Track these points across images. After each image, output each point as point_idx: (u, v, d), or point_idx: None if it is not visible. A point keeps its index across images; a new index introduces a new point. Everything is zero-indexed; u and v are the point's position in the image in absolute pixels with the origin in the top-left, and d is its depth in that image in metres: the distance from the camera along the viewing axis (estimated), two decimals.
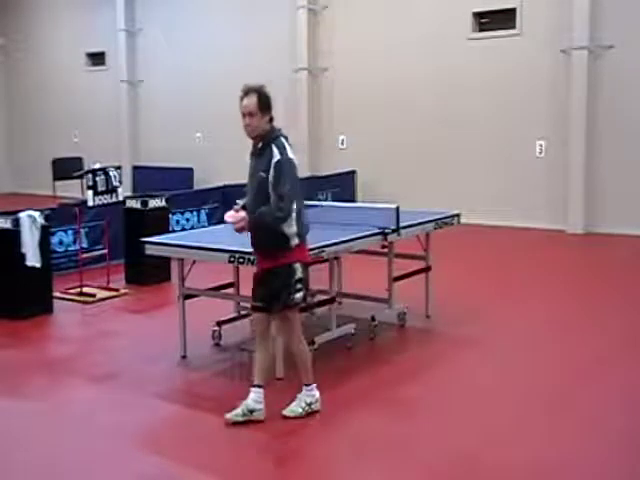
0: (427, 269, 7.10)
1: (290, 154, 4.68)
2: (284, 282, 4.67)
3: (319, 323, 6.48)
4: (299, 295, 4.73)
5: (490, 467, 4.23)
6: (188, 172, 15.84)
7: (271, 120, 4.77)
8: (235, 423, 4.73)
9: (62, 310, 7.63)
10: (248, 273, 6.19)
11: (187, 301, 6.11)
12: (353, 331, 6.27)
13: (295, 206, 4.65)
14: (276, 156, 4.64)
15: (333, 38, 14.56)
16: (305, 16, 14.61)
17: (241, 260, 5.36)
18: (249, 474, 4.22)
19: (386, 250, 6.71)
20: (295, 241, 4.65)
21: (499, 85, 12.60)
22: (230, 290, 6.54)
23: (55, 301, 7.66)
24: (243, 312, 6.63)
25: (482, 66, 12.72)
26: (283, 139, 4.73)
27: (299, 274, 4.68)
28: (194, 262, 6.01)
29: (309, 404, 4.88)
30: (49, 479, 4.27)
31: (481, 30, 12.95)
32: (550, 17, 12.09)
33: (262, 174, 4.67)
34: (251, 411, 4.79)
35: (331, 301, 6.12)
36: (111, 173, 8.23)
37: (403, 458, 4.34)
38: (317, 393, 4.94)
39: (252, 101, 4.72)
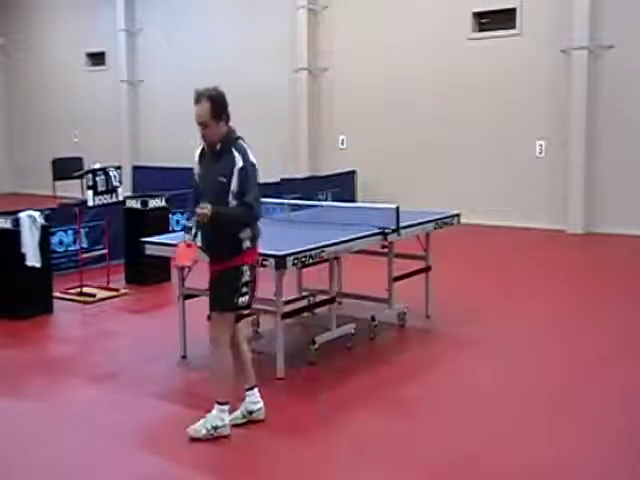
0: (427, 269, 7.10)
1: (252, 157, 4.55)
2: (231, 285, 4.55)
3: (319, 323, 6.48)
4: (243, 299, 4.58)
5: (490, 467, 4.23)
6: (188, 172, 15.77)
7: (228, 120, 4.64)
8: (236, 425, 4.70)
9: (62, 310, 7.63)
10: None
11: (187, 301, 6.11)
12: (353, 331, 6.27)
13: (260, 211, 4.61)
14: (239, 162, 4.48)
15: (333, 38, 14.57)
16: (305, 16, 14.62)
17: None
18: (249, 474, 4.22)
19: (386, 250, 6.71)
20: (247, 244, 4.55)
21: (499, 85, 12.60)
22: None
23: (55, 301, 7.66)
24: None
25: (482, 66, 12.72)
26: (242, 141, 4.61)
27: (247, 277, 4.57)
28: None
29: (215, 427, 4.50)
30: (49, 479, 4.27)
31: (481, 30, 12.96)
32: (550, 17, 12.09)
33: (222, 179, 4.50)
34: (250, 412, 4.76)
35: (331, 301, 6.12)
36: (111, 173, 8.22)
37: (403, 458, 4.34)
38: (226, 416, 4.57)
39: (204, 109, 4.60)
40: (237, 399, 4.83)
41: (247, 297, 4.60)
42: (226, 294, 4.57)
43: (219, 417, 4.55)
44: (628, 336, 6.56)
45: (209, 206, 4.45)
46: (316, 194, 12.85)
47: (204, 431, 4.51)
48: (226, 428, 4.56)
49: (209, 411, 4.60)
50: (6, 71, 20.11)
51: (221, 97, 4.69)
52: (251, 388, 4.80)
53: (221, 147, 4.59)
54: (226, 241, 4.55)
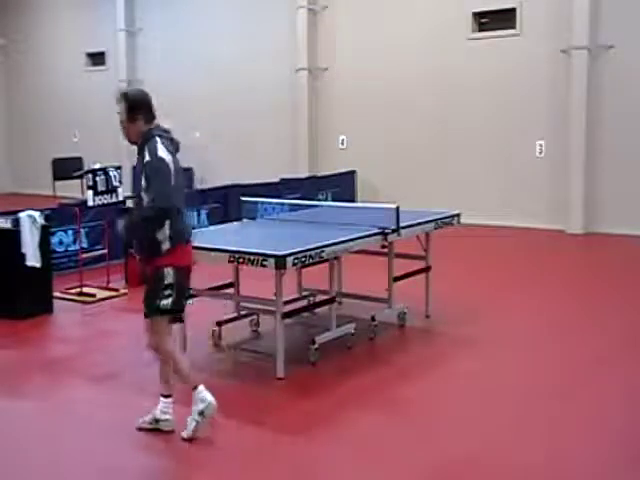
0: (427, 269, 7.10)
1: (161, 153, 4.39)
2: (153, 287, 4.50)
3: (319, 323, 6.48)
4: (166, 302, 4.47)
5: (490, 467, 4.22)
6: (188, 172, 15.84)
7: (149, 120, 4.54)
8: (141, 429, 4.65)
9: (62, 310, 7.63)
10: (248, 273, 6.22)
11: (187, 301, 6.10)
12: (353, 331, 6.27)
13: (170, 208, 4.40)
14: (146, 157, 4.42)
15: (333, 38, 14.57)
16: (305, 16, 14.62)
17: (241, 260, 5.36)
18: (249, 474, 4.22)
19: (386, 250, 6.71)
20: (166, 245, 4.43)
21: (499, 85, 12.60)
22: (230, 290, 6.54)
23: (55, 301, 7.66)
24: (243, 312, 6.64)
25: (482, 66, 12.72)
26: (158, 138, 4.46)
27: (169, 280, 4.45)
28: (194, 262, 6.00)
29: (201, 412, 4.53)
30: (49, 479, 4.27)
31: (481, 30, 12.96)
32: (550, 17, 12.09)
33: (140, 176, 4.49)
34: (156, 420, 4.65)
35: (331, 301, 6.12)
36: (111, 173, 8.22)
37: (403, 458, 4.34)
38: (207, 395, 4.57)
39: (121, 109, 4.55)
40: (240, 397, 4.82)
41: (170, 300, 4.48)
42: (150, 297, 4.53)
43: (199, 400, 4.54)
44: (628, 336, 6.56)
45: (122, 222, 4.59)
46: (316, 194, 12.86)
47: (194, 424, 4.52)
48: (209, 407, 4.53)
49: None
50: (6, 71, 20.11)
51: (138, 98, 4.57)
52: (166, 396, 4.68)
53: (139, 145, 4.54)
54: (145, 242, 4.51)
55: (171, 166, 4.42)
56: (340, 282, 7.07)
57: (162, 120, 4.64)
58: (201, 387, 4.59)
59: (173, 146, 4.57)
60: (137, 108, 4.51)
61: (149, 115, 4.54)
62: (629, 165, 11.52)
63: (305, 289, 7.24)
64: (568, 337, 6.57)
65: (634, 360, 5.96)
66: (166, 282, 4.45)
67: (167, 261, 4.46)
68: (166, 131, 4.60)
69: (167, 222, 4.41)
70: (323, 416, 4.96)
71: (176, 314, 4.68)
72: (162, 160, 4.39)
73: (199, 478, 4.21)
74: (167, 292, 4.47)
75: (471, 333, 6.69)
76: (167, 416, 4.67)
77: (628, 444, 4.53)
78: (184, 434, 4.52)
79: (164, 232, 4.43)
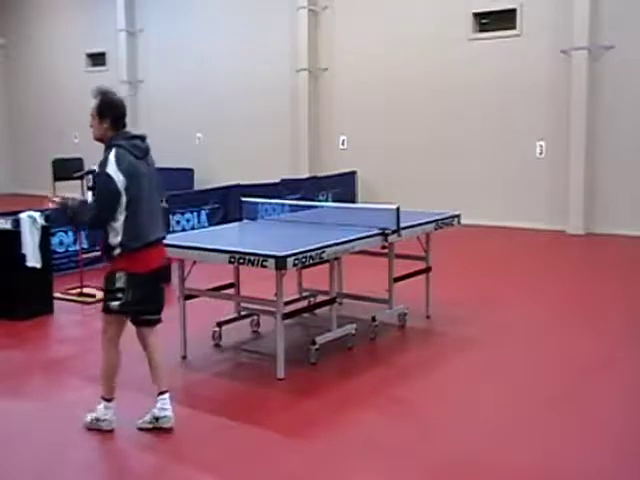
0: (427, 270, 7.10)
1: (110, 169, 4.45)
2: (106, 288, 4.64)
3: (320, 323, 6.48)
4: (115, 303, 4.58)
5: (490, 467, 4.22)
6: (188, 172, 15.85)
7: (115, 128, 4.63)
8: (142, 429, 4.70)
9: (62, 310, 7.63)
10: (249, 274, 6.22)
11: (187, 301, 6.11)
12: (354, 331, 6.27)
13: (114, 217, 4.47)
14: (98, 168, 4.59)
15: (333, 38, 14.58)
16: (305, 16, 14.63)
17: (241, 261, 5.36)
18: (248, 474, 4.22)
19: (386, 251, 6.71)
20: (117, 251, 4.51)
21: (499, 85, 12.60)
22: (230, 291, 6.54)
23: (55, 301, 7.66)
24: (243, 313, 6.64)
25: (482, 66, 12.72)
26: (114, 150, 4.52)
27: (119, 284, 4.54)
28: (194, 263, 6.00)
29: (97, 419, 4.68)
30: (47, 478, 4.27)
31: (481, 30, 12.96)
32: (550, 17, 12.09)
33: None
34: (156, 419, 4.71)
35: (332, 301, 6.11)
36: None
37: (403, 458, 4.34)
38: (109, 413, 4.69)
39: (94, 104, 4.70)
40: (240, 398, 4.81)
41: (118, 303, 4.58)
42: (105, 296, 4.67)
43: (102, 412, 4.69)
44: (628, 336, 6.56)
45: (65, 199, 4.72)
46: (317, 195, 12.87)
47: (89, 418, 4.70)
48: (106, 423, 4.66)
49: (211, 410, 4.60)
50: (6, 71, 20.11)
51: (110, 101, 4.71)
52: (161, 393, 4.74)
53: (104, 150, 4.65)
54: (103, 244, 4.63)
55: (118, 183, 4.43)
56: (340, 283, 7.07)
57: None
58: (113, 404, 4.70)
59: (141, 151, 4.62)
60: (107, 111, 4.65)
61: (116, 123, 4.63)
62: (629, 165, 11.52)
63: (305, 290, 7.24)
64: (568, 337, 6.57)
65: (634, 360, 5.96)
66: (117, 286, 4.56)
67: (119, 266, 4.56)
68: (135, 137, 4.67)
69: (116, 229, 4.49)
70: (323, 416, 4.96)
71: (138, 316, 4.76)
72: (108, 177, 4.45)
73: (199, 478, 4.21)
74: (118, 295, 4.57)
75: (471, 333, 6.69)
76: (165, 412, 4.69)
77: (628, 444, 4.53)
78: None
79: (115, 238, 4.51)
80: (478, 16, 12.90)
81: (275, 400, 5.24)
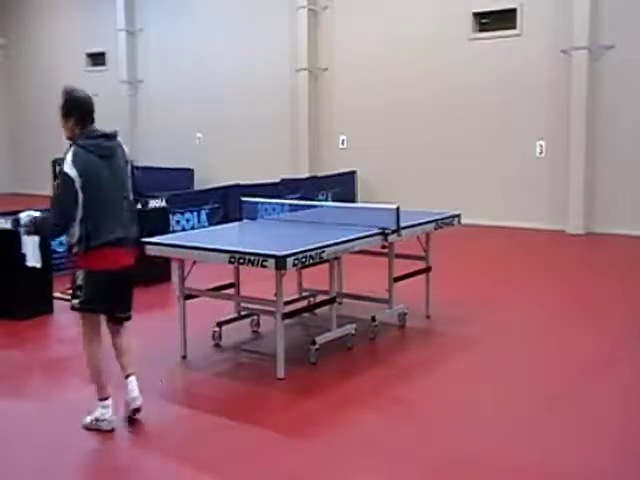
0: (427, 269, 7.10)
1: (67, 168, 4.47)
2: (71, 285, 4.76)
3: (319, 323, 6.48)
4: (76, 301, 4.67)
5: (490, 467, 4.22)
6: (188, 172, 15.85)
7: (82, 125, 4.65)
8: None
9: (62, 310, 7.61)
10: (249, 274, 6.22)
11: (187, 301, 6.11)
12: (353, 331, 6.26)
13: (75, 216, 4.48)
14: (59, 167, 4.67)
15: (333, 38, 14.58)
16: (305, 16, 14.63)
17: (241, 261, 5.36)
18: (248, 474, 4.22)
19: (386, 250, 6.71)
20: (77, 249, 4.57)
21: (499, 85, 12.60)
22: (230, 290, 6.54)
23: (55, 301, 7.65)
24: (243, 313, 6.64)
25: (483, 66, 12.72)
26: (72, 149, 4.55)
27: (79, 281, 4.64)
28: (194, 262, 6.00)
29: (96, 419, 4.70)
30: (48, 478, 4.27)
31: (481, 30, 12.96)
32: (550, 17, 12.09)
33: None
34: (96, 420, 4.73)
35: (331, 301, 6.11)
36: None
37: (403, 458, 4.34)
38: (108, 412, 4.70)
39: (59, 103, 4.77)
40: (240, 398, 4.79)
41: (78, 300, 4.65)
42: (71, 293, 4.79)
43: (100, 412, 4.70)
44: (628, 336, 6.56)
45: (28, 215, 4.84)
46: (316, 194, 12.87)
47: (88, 419, 4.71)
48: (106, 423, 4.68)
49: (211, 410, 4.60)
50: (6, 71, 20.11)
51: (74, 99, 4.76)
52: (129, 375, 4.82)
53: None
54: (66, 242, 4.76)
55: (75, 182, 4.44)
56: (340, 282, 7.07)
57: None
58: (109, 402, 4.72)
59: (104, 150, 4.61)
60: (70, 109, 4.70)
61: (83, 120, 4.64)
62: (629, 165, 11.52)
63: (305, 289, 7.24)
64: (568, 337, 6.57)
65: (634, 360, 5.96)
66: (77, 283, 4.66)
67: (79, 263, 4.63)
68: (101, 135, 4.65)
69: (74, 227, 4.51)
70: (323, 416, 4.96)
71: (101, 313, 4.79)
72: (66, 175, 4.46)
73: (199, 478, 4.21)
74: (77, 292, 4.67)
75: (471, 333, 6.69)
76: (133, 393, 4.77)
77: (628, 444, 4.53)
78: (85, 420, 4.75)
79: (73, 236, 4.56)
80: (478, 16, 12.90)
81: (275, 400, 5.24)
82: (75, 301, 4.68)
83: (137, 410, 4.77)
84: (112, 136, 4.71)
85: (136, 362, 4.92)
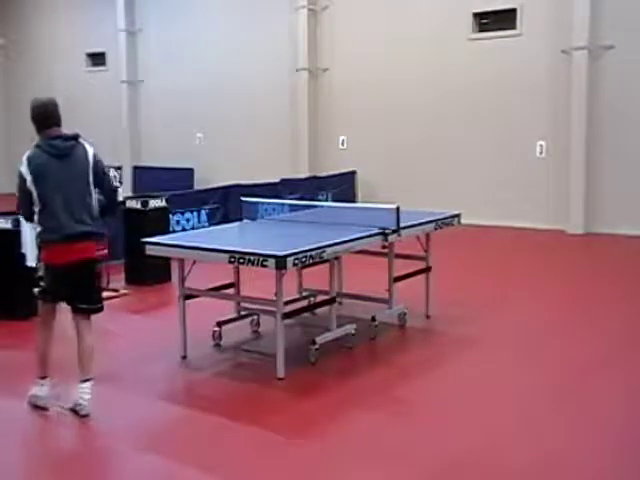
0: (427, 269, 7.10)
1: (21, 166, 4.92)
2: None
3: (319, 323, 6.48)
4: (35, 290, 5.06)
5: (490, 467, 4.22)
6: (188, 172, 15.85)
7: (39, 130, 4.97)
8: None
9: (62, 310, 7.60)
10: (249, 274, 6.22)
11: (187, 301, 6.11)
12: (353, 331, 6.26)
13: (33, 211, 4.88)
14: None
15: (333, 38, 14.58)
16: (305, 16, 14.63)
17: (241, 260, 5.36)
18: (249, 474, 4.22)
19: (386, 250, 6.71)
20: (37, 242, 5.00)
21: (499, 85, 12.60)
22: (230, 290, 6.54)
23: None
24: (243, 312, 6.64)
25: (483, 66, 12.73)
26: (31, 150, 4.96)
27: (40, 272, 5.01)
28: (194, 262, 6.00)
29: (34, 395, 5.05)
30: (49, 479, 4.27)
31: (481, 30, 12.96)
32: (550, 17, 12.10)
33: None
34: (34, 396, 5.06)
35: (331, 301, 6.11)
36: (111, 173, 8.21)
37: (403, 458, 4.34)
38: (43, 390, 5.06)
39: None
40: (240, 398, 4.80)
41: (38, 290, 5.03)
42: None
43: (37, 389, 5.06)
44: (628, 336, 6.56)
45: None
46: (316, 194, 12.86)
47: (28, 397, 5.06)
48: (41, 400, 5.02)
49: (211, 410, 4.60)
50: (6, 71, 20.13)
51: (32, 108, 5.01)
52: (83, 381, 4.97)
53: None
54: None
55: (27, 181, 4.84)
56: (340, 282, 7.06)
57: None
58: (45, 381, 5.06)
59: (59, 150, 4.87)
60: (32, 119, 4.99)
61: (38, 125, 4.96)
62: (629, 165, 11.53)
63: (305, 289, 7.24)
64: (568, 337, 6.57)
65: (634, 360, 5.95)
66: (39, 274, 5.04)
67: (42, 257, 4.99)
68: (57, 137, 4.90)
69: (36, 222, 4.91)
70: (323, 416, 4.96)
71: (55, 302, 5.09)
72: (19, 174, 4.91)
73: (199, 477, 4.21)
74: (40, 282, 5.02)
75: (471, 333, 6.69)
76: (82, 400, 4.90)
77: (628, 444, 4.53)
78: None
79: (34, 231, 5.04)
80: (478, 16, 12.90)
81: (275, 400, 5.24)
82: (36, 289, 5.05)
83: (83, 416, 4.90)
84: (70, 138, 4.95)
85: (94, 369, 5.06)
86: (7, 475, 4.26)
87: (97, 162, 4.99)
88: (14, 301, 7.27)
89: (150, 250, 6.01)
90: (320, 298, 6.67)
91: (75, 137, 4.97)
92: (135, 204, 8.92)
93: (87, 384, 4.95)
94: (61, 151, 4.88)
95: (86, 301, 5.04)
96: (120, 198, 8.44)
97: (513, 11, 12.44)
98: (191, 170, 15.90)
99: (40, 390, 5.05)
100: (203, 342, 6.35)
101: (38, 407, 5.03)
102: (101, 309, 5.13)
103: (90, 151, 4.98)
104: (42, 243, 4.91)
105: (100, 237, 5.21)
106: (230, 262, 5.49)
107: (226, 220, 10.09)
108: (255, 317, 6.71)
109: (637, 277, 8.84)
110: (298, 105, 14.97)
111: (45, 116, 4.93)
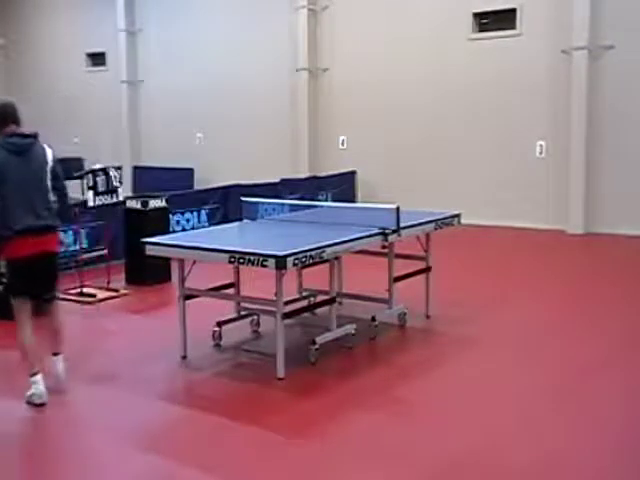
0: (427, 269, 7.10)
1: None
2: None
3: (319, 323, 6.48)
4: (1, 287, 5.35)
5: (490, 467, 4.22)
6: (188, 172, 15.85)
7: (1, 131, 5.07)
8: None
9: (62, 310, 7.60)
10: (249, 274, 6.22)
11: (187, 301, 6.11)
12: (353, 331, 6.26)
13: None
14: None
15: (333, 38, 14.58)
16: (305, 16, 14.63)
17: (241, 260, 5.36)
18: (249, 474, 4.22)
19: (386, 250, 6.71)
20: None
21: (499, 85, 12.60)
22: (230, 290, 6.54)
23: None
24: (243, 312, 6.64)
25: (483, 66, 12.73)
26: None
27: (2, 269, 5.26)
28: (194, 262, 6.00)
29: (30, 395, 5.10)
30: (48, 478, 4.27)
31: (481, 30, 12.96)
32: (550, 17, 12.09)
33: None
34: (32, 394, 5.11)
35: (331, 301, 6.11)
36: (111, 173, 8.23)
37: (403, 458, 4.34)
38: (38, 387, 5.09)
39: None
40: (239, 398, 4.79)
41: (2, 286, 5.28)
42: None
43: (34, 388, 5.11)
44: (628, 336, 6.56)
45: None
46: (316, 194, 12.86)
47: (27, 397, 5.11)
48: (36, 397, 5.08)
49: (211, 410, 4.61)
50: (6, 71, 20.11)
51: None
52: (57, 354, 5.31)
53: None
54: None
55: None
56: (340, 282, 7.06)
57: None
58: (38, 377, 5.10)
59: (18, 147, 5.01)
60: None
61: (2, 126, 5.08)
62: (629, 165, 11.52)
63: (305, 289, 7.24)
64: (568, 337, 6.57)
65: (634, 360, 5.96)
66: (1, 270, 5.27)
67: (3, 252, 5.10)
68: (16, 135, 5.04)
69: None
70: (323, 416, 4.96)
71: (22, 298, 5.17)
72: None
73: (199, 478, 4.21)
74: (2, 279, 5.24)
75: (471, 333, 6.69)
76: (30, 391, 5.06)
77: (628, 444, 4.53)
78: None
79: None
80: (478, 16, 12.90)
81: (275, 400, 5.24)
82: (2, 287, 5.19)
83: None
84: (29, 136, 5.11)
85: (65, 345, 5.33)
86: (7, 475, 4.26)
87: (55, 164, 5.16)
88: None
89: (150, 250, 6.02)
90: (320, 298, 6.67)
91: (34, 135, 5.13)
92: (135, 204, 8.92)
93: (61, 357, 5.30)
94: (19, 147, 5.03)
95: (49, 290, 5.29)
96: (120, 198, 8.48)
97: (513, 11, 12.44)
98: (191, 170, 15.91)
99: (36, 389, 5.10)
100: (203, 342, 6.35)
101: (37, 406, 5.05)
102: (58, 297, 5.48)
103: (49, 151, 5.17)
104: (2, 239, 5.00)
105: (55, 229, 5.35)
106: (230, 262, 5.49)
107: (226, 220, 10.10)
108: (255, 317, 6.71)
109: (637, 277, 8.84)
110: (298, 105, 14.97)
111: (4, 116, 5.10)
